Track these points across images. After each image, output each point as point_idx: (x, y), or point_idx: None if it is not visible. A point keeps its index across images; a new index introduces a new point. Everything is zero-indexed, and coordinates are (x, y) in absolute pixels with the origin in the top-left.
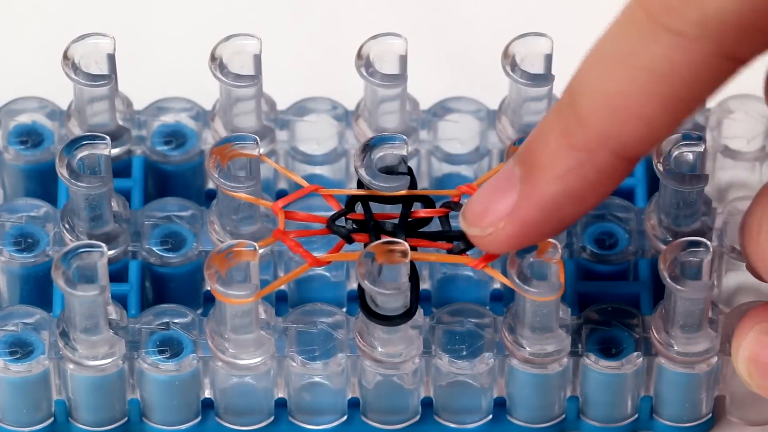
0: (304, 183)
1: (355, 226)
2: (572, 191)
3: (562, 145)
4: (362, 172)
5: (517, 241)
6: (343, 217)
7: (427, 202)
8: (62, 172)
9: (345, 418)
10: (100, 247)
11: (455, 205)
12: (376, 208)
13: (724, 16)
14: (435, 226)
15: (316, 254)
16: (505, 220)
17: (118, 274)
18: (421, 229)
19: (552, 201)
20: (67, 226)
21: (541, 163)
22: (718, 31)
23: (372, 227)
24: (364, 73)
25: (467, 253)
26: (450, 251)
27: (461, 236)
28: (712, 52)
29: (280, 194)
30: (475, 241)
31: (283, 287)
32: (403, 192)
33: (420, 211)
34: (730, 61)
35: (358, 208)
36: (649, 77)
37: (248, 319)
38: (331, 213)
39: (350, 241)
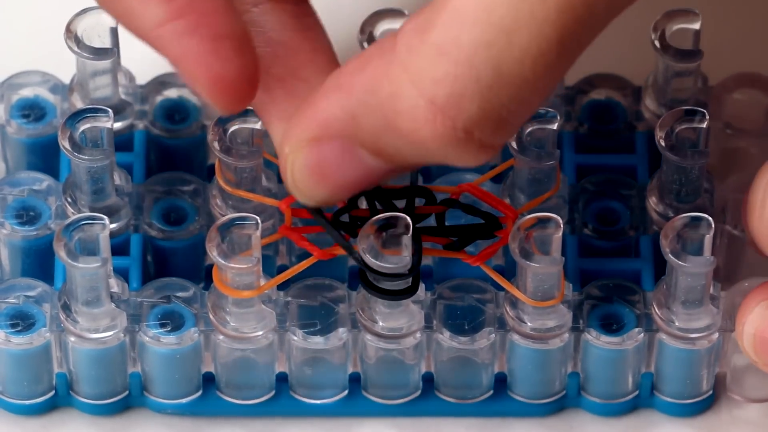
0: None
1: (358, 222)
2: None
3: None
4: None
5: None
6: (347, 213)
7: (428, 196)
8: (64, 144)
9: (346, 392)
10: (101, 219)
11: (454, 203)
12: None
13: None
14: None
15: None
16: None
17: (120, 248)
18: (419, 224)
19: None
20: (69, 199)
21: None
22: None
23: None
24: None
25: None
26: (448, 246)
27: (460, 232)
28: None
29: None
30: None
31: (284, 262)
32: (405, 185)
33: (419, 207)
34: None
35: (363, 205)
36: None
37: None
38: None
39: (354, 235)
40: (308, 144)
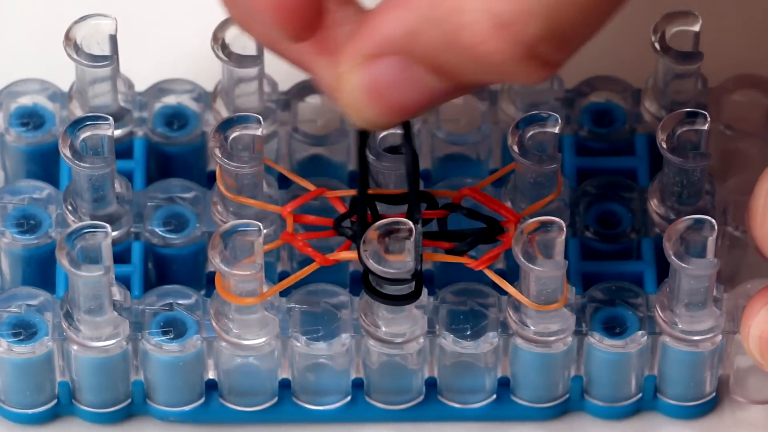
0: (311, 186)
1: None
2: None
3: None
4: (366, 151)
5: None
6: (349, 219)
7: (430, 200)
8: (65, 152)
9: (349, 398)
10: (104, 227)
11: (456, 207)
12: (381, 209)
13: None
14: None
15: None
16: None
17: (121, 256)
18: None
19: None
20: (70, 207)
21: None
22: None
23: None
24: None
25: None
26: (450, 251)
27: (462, 237)
28: None
29: (282, 177)
30: None
31: (286, 268)
32: (405, 190)
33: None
34: None
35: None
36: None
37: None
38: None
39: (356, 241)
40: (364, 61)
